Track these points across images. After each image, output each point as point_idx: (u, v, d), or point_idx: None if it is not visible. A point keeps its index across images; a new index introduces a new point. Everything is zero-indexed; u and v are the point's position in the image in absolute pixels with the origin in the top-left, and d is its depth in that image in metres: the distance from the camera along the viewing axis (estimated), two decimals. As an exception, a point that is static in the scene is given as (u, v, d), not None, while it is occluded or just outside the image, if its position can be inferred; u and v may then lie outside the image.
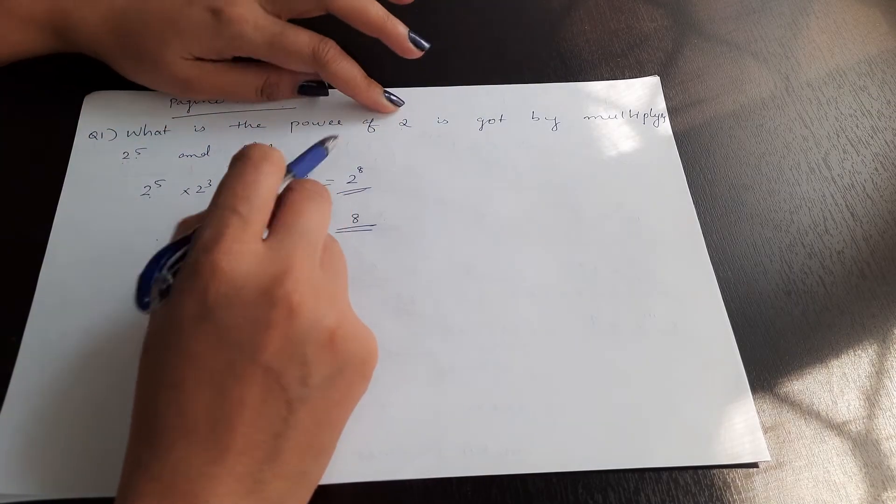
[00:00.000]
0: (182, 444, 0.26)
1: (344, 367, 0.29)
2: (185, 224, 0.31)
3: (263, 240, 0.29)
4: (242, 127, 0.44)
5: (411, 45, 0.43)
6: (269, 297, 0.27)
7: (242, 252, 0.27)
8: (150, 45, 0.41)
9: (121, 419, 0.33)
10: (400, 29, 0.43)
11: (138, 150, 0.43)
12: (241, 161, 0.30)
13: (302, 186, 0.31)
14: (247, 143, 0.43)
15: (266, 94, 0.44)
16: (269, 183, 0.29)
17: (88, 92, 0.45)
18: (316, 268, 0.29)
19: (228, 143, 0.43)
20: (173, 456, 0.26)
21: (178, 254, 0.29)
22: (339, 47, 0.42)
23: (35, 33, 0.42)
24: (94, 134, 0.43)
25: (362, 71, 0.43)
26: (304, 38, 0.41)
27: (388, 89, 0.44)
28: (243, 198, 0.28)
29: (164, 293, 0.28)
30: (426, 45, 0.44)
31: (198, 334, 0.27)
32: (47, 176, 0.42)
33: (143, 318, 0.37)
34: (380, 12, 0.42)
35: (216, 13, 0.40)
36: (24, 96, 0.45)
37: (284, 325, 0.27)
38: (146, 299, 0.28)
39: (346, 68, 0.43)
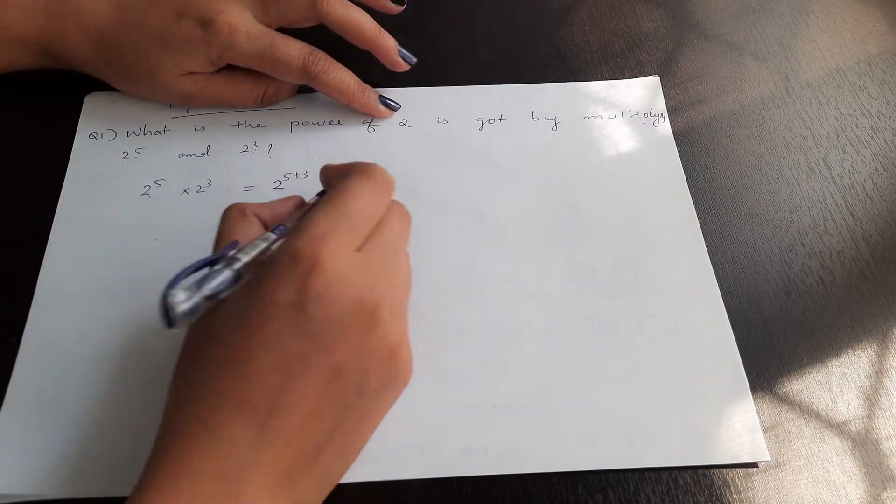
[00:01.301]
0: (238, 423, 0.26)
1: (390, 383, 0.30)
2: (297, 203, 0.34)
3: (357, 250, 0.29)
4: (242, 127, 0.44)
5: (400, 59, 0.44)
6: (359, 304, 0.28)
7: (344, 256, 0.28)
8: (142, 65, 0.41)
9: (121, 419, 0.34)
10: (390, 43, 0.43)
11: (138, 150, 0.43)
12: (366, 177, 0.31)
13: (398, 207, 0.33)
14: (246, 142, 0.43)
15: (266, 104, 0.45)
16: (381, 207, 0.31)
17: (88, 92, 0.45)
18: (395, 286, 0.30)
19: (228, 143, 0.43)
20: (226, 433, 0.26)
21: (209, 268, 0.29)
22: (329, 57, 0.42)
23: (25, 54, 0.42)
24: (94, 134, 0.43)
25: (356, 77, 0.43)
26: (294, 51, 0.41)
27: (384, 94, 0.44)
28: (358, 211, 0.30)
29: (209, 299, 0.28)
30: (414, 59, 0.45)
31: (284, 319, 0.27)
32: (47, 176, 0.42)
33: (143, 319, 0.37)
34: (373, 26, 0.43)
35: (206, 24, 0.40)
36: (25, 97, 0.45)
37: (363, 333, 0.28)
38: (171, 315, 0.27)
39: (338, 77, 0.42)
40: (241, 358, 0.27)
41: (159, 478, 0.26)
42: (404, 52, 0.44)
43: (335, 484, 0.30)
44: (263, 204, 0.33)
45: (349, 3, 0.43)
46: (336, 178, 0.32)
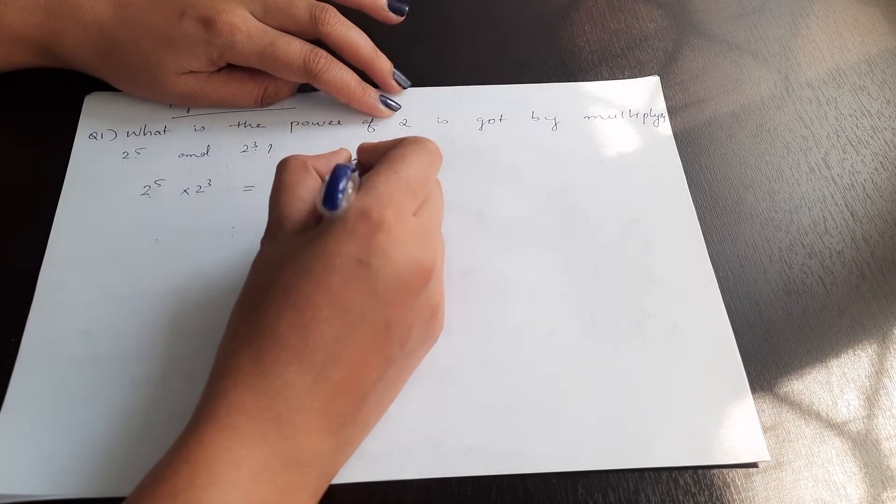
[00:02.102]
0: (295, 370, 0.28)
1: (426, 340, 0.33)
2: (363, 150, 0.35)
3: (413, 215, 0.31)
4: (242, 126, 0.44)
5: (394, 82, 0.45)
6: (417, 266, 0.29)
7: (405, 219, 0.30)
8: (142, 64, 0.41)
9: (121, 419, 0.34)
10: (386, 66, 0.44)
11: (138, 150, 0.43)
12: (422, 148, 0.33)
13: (437, 180, 0.35)
14: (246, 142, 0.43)
15: (266, 103, 0.45)
16: (433, 176, 0.33)
17: (88, 92, 0.45)
18: (440, 252, 0.33)
19: (228, 143, 0.43)
20: (283, 378, 0.27)
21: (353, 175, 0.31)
22: (330, 55, 0.42)
23: (24, 52, 0.42)
24: (94, 134, 0.43)
25: (356, 76, 0.43)
26: (294, 49, 0.41)
27: (385, 94, 0.45)
28: (416, 179, 0.31)
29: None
30: (408, 83, 0.46)
31: (347, 272, 0.28)
32: (47, 176, 0.42)
33: (143, 318, 0.37)
34: (370, 48, 0.44)
35: (207, 23, 0.40)
36: (25, 97, 0.45)
37: (415, 293, 0.30)
38: (339, 197, 0.29)
39: (339, 76, 0.43)
40: (304, 307, 0.28)
41: (215, 413, 0.27)
42: (399, 75, 0.45)
43: (368, 433, 0.32)
44: (319, 156, 0.34)
45: (349, 22, 0.43)
46: (390, 146, 0.33)
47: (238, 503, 0.26)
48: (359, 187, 0.31)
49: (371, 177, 0.31)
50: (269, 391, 0.27)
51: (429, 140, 0.33)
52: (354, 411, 0.30)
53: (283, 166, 0.33)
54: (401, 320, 0.30)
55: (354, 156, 0.36)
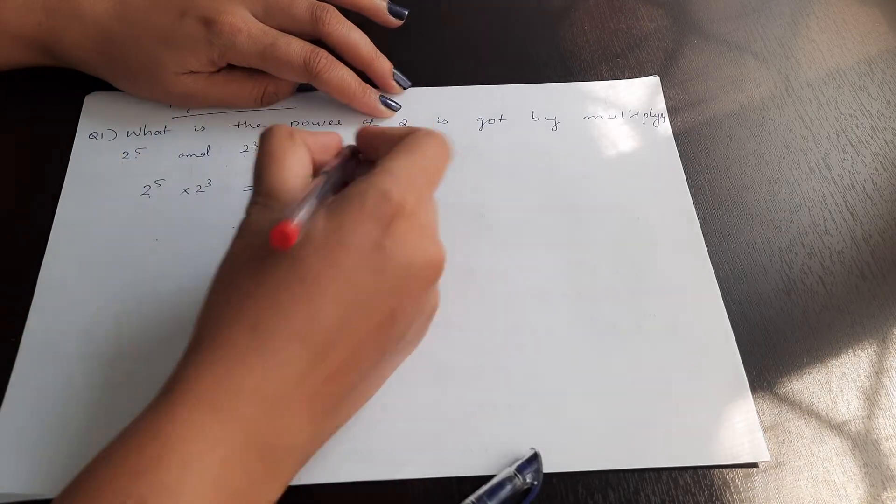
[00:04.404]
0: (293, 349, 0.26)
1: (415, 339, 0.32)
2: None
3: None
4: (242, 127, 0.44)
5: (394, 82, 0.45)
6: (430, 258, 0.28)
7: (425, 207, 0.29)
8: (142, 63, 0.41)
9: (121, 419, 0.34)
10: (385, 67, 0.44)
11: (138, 150, 0.43)
12: (443, 144, 0.31)
13: None
14: (246, 142, 0.43)
15: (266, 103, 0.45)
16: (445, 168, 0.32)
17: (88, 92, 0.45)
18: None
19: (228, 143, 0.43)
20: (279, 357, 0.25)
21: None
22: (330, 55, 0.42)
23: (24, 50, 0.42)
24: (95, 134, 0.43)
25: (356, 77, 0.43)
26: (295, 49, 0.41)
27: (385, 94, 0.45)
28: (437, 174, 0.31)
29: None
30: (408, 83, 0.46)
31: (362, 251, 0.27)
32: (47, 176, 0.42)
33: (143, 318, 0.37)
34: (370, 49, 0.44)
35: (209, 23, 0.40)
36: (25, 97, 0.45)
37: (423, 287, 0.29)
38: None
39: (339, 76, 0.43)
40: (311, 280, 0.26)
41: (196, 387, 0.25)
42: (399, 75, 0.45)
43: (342, 426, 0.30)
44: (308, 132, 0.32)
45: (350, 23, 0.43)
46: (400, 134, 0.32)
47: (205, 489, 0.24)
48: (373, 172, 0.29)
49: (389, 161, 0.29)
50: (261, 368, 0.25)
51: (442, 134, 0.32)
52: (340, 400, 0.28)
53: (268, 134, 0.31)
54: (406, 312, 0.28)
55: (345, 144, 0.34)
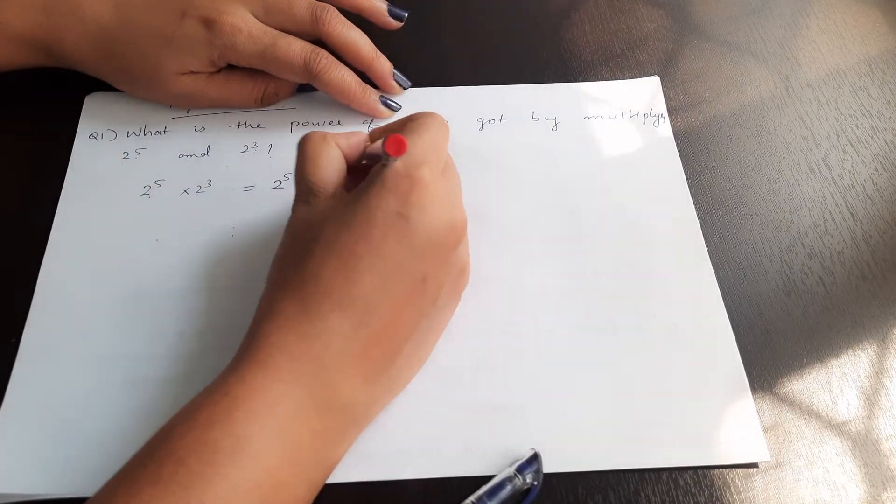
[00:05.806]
0: (336, 317, 0.29)
1: (453, 298, 0.35)
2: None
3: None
4: (242, 127, 0.44)
5: (394, 83, 0.45)
6: (451, 222, 0.31)
7: (438, 179, 0.32)
8: (142, 64, 0.41)
9: (121, 419, 0.34)
10: (386, 67, 0.45)
11: (138, 151, 0.43)
12: (439, 120, 0.35)
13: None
14: (246, 142, 0.43)
15: (266, 103, 0.45)
16: (447, 144, 0.35)
17: (88, 92, 0.45)
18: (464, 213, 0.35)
19: (228, 143, 0.43)
20: (325, 322, 0.29)
21: None
22: (330, 56, 0.42)
23: (24, 51, 0.42)
24: (95, 134, 0.43)
25: (357, 77, 0.43)
26: (295, 49, 0.41)
27: (385, 94, 0.45)
28: (440, 144, 0.34)
29: None
30: (408, 83, 0.46)
31: (387, 224, 0.30)
32: (47, 176, 0.42)
33: (143, 318, 0.37)
34: (370, 49, 0.44)
35: (209, 24, 0.40)
36: (25, 97, 0.45)
37: (448, 250, 0.32)
38: None
39: (340, 77, 0.43)
40: (346, 256, 0.30)
41: (257, 353, 0.29)
42: (399, 75, 0.45)
43: (399, 391, 0.34)
44: (338, 133, 0.35)
45: (350, 23, 0.43)
46: (401, 124, 0.35)
47: (271, 439, 0.27)
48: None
49: None
50: (311, 334, 0.29)
51: (436, 113, 0.35)
52: (389, 361, 0.31)
53: (304, 140, 0.34)
54: (437, 275, 0.31)
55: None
